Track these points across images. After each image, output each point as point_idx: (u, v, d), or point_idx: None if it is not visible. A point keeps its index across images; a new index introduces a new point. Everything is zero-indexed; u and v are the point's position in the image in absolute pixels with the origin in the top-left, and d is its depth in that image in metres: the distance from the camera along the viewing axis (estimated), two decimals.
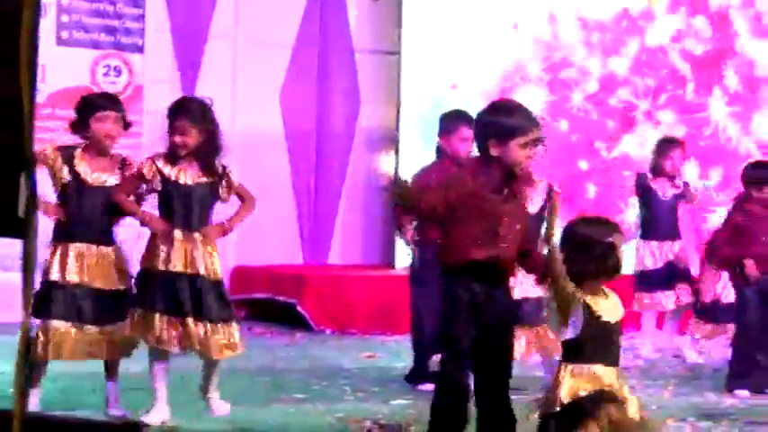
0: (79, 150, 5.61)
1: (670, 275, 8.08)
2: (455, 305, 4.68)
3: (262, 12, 10.15)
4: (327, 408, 6.09)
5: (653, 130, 10.30)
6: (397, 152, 10.21)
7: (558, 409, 4.39)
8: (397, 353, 7.79)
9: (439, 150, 6.99)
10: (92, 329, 5.52)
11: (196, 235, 5.53)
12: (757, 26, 10.87)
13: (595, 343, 4.46)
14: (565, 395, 4.39)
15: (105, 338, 5.56)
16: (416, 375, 6.77)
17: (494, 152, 4.64)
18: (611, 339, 4.50)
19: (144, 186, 5.61)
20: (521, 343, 6.39)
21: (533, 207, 6.13)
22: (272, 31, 10.19)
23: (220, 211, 5.76)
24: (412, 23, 10.33)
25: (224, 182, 5.63)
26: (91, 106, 5.67)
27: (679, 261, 8.09)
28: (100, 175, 5.60)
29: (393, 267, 9.90)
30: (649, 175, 8.19)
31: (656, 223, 8.14)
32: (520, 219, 4.76)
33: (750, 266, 6.83)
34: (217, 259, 5.60)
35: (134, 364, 5.78)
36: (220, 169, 5.63)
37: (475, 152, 5.01)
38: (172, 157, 5.55)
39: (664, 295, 8.08)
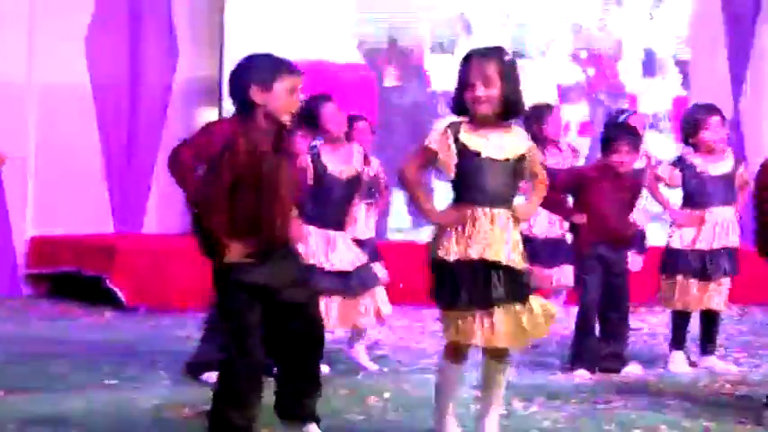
0: None
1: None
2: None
3: None
4: (141, 394, 6.05)
5: None
6: (220, 107, 10.21)
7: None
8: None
9: None
10: None
11: None
12: None
13: (475, 181, 4.67)
14: (452, 255, 4.65)
15: None
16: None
17: (257, 99, 4.62)
18: (494, 176, 4.66)
19: None
20: (331, 314, 6.62)
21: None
22: None
23: None
24: None
25: None
26: None
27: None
28: None
29: None
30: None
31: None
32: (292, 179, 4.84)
33: (578, 217, 6.97)
34: None
35: None
36: None
37: None
38: None
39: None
